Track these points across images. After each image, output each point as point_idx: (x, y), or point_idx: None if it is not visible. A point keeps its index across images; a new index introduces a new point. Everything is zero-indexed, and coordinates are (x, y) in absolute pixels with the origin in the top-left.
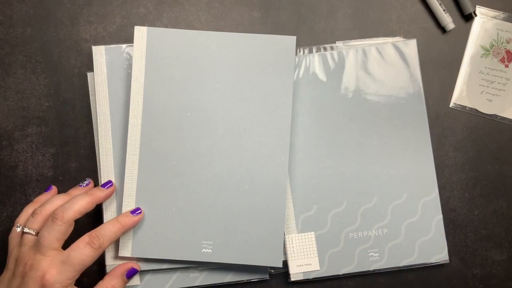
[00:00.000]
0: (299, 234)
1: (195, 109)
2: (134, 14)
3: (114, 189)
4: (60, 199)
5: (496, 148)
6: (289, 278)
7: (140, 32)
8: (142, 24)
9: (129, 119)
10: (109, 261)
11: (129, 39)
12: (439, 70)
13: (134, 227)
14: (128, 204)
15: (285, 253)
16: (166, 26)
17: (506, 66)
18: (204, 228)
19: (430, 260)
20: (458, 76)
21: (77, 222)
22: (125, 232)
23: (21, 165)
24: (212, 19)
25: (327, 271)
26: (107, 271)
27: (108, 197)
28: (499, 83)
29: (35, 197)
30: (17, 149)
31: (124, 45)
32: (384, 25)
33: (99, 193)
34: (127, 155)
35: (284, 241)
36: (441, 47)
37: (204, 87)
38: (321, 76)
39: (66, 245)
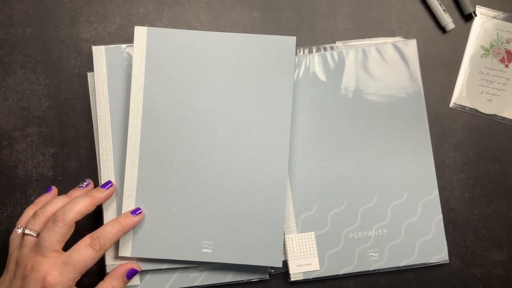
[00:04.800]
0: (299, 234)
1: (195, 109)
2: (134, 14)
3: (114, 189)
4: (61, 201)
5: (496, 148)
6: (289, 278)
7: (140, 32)
8: (142, 24)
9: (129, 119)
10: (109, 261)
11: (129, 39)
12: (439, 70)
13: (134, 227)
14: (128, 204)
15: (285, 253)
16: (166, 26)
17: (506, 66)
18: (204, 228)
19: (430, 260)
20: (458, 76)
21: (77, 222)
22: (125, 232)
23: (21, 165)
24: (212, 19)
25: (327, 271)
26: (107, 271)
27: (108, 197)
28: (499, 83)
29: (35, 197)
30: (17, 149)
31: (124, 45)
32: (384, 25)
33: (99, 194)
34: (127, 155)
35: (284, 241)
36: (441, 47)
37: (204, 87)
38: (321, 76)
39: (66, 246)
